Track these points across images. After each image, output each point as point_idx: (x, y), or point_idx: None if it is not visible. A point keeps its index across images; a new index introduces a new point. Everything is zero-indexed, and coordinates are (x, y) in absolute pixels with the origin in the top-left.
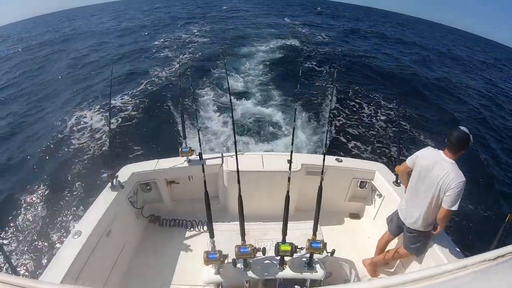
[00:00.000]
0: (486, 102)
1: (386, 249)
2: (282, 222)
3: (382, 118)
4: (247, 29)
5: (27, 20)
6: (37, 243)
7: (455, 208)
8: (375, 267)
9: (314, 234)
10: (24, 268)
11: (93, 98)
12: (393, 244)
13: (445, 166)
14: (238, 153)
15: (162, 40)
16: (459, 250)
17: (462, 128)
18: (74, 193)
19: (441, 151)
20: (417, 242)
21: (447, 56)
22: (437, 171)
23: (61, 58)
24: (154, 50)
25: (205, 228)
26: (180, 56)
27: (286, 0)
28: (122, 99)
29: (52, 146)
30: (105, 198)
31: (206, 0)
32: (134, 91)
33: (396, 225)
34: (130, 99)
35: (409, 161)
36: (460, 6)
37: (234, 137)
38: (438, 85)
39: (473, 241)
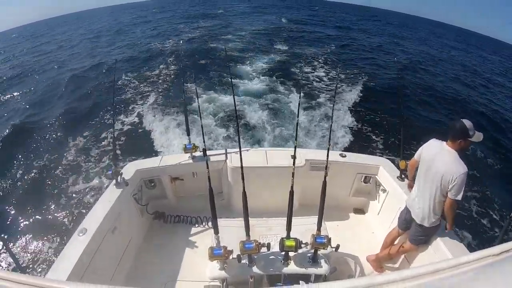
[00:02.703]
0: (496, 97)
1: (395, 245)
2: (286, 218)
3: (386, 112)
4: (248, 31)
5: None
6: (43, 241)
7: (459, 197)
8: (380, 263)
9: (319, 229)
10: (30, 266)
11: (97, 95)
12: (398, 240)
13: (446, 156)
14: (242, 149)
15: (163, 39)
16: (463, 245)
17: (464, 119)
18: (79, 190)
19: (444, 142)
20: (424, 235)
21: (447, 50)
22: (439, 161)
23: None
24: (155, 48)
25: (210, 224)
26: (182, 53)
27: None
28: (126, 95)
29: (56, 144)
30: (110, 195)
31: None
32: (137, 87)
33: (405, 220)
34: (133, 96)
35: (416, 155)
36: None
37: (238, 133)
38: (443, 80)
39: (478, 236)
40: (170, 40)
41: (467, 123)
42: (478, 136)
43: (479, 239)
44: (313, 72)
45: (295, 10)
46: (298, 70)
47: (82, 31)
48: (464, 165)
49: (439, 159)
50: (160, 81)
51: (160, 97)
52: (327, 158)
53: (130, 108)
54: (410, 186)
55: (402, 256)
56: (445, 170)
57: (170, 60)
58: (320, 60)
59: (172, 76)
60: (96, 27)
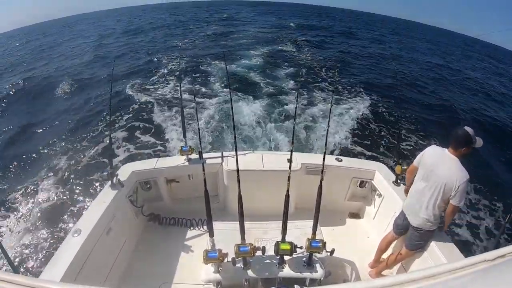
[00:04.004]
0: (492, 101)
1: (388, 254)
2: (282, 221)
3: (382, 117)
4: (251, 32)
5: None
6: (36, 241)
7: (461, 204)
8: (381, 274)
9: (314, 233)
10: (24, 266)
11: (93, 96)
12: (393, 245)
13: (449, 164)
14: (238, 152)
15: (164, 41)
16: (458, 250)
17: (466, 127)
18: (74, 191)
19: (445, 149)
20: (421, 240)
21: (447, 53)
22: (441, 168)
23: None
24: (154, 51)
25: (205, 227)
26: (181, 56)
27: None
28: (122, 97)
29: (52, 144)
30: (105, 196)
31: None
32: (134, 89)
33: (401, 225)
34: (130, 98)
35: (415, 161)
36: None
37: (234, 136)
38: (440, 83)
39: (473, 241)
40: (171, 42)
41: (470, 130)
42: (479, 142)
43: (474, 245)
44: (312, 76)
45: (303, 17)
46: (297, 74)
47: (82, 33)
48: (466, 172)
49: (441, 165)
50: (159, 82)
51: (158, 98)
52: (323, 162)
53: (127, 108)
54: (407, 192)
55: (399, 263)
56: (449, 177)
57: (169, 62)
58: (320, 64)
59: (171, 78)
60: (98, 29)
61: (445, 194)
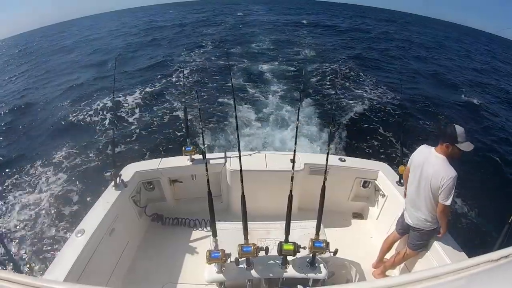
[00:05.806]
0: (500, 103)
1: (391, 254)
2: (285, 222)
3: (386, 117)
4: (255, 29)
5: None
6: (40, 241)
7: (447, 202)
8: (384, 274)
9: (317, 233)
10: (27, 266)
11: (96, 96)
12: (396, 245)
13: (434, 162)
14: (241, 152)
15: (167, 42)
16: (462, 250)
17: (457, 125)
18: (77, 191)
19: (432, 148)
20: (422, 240)
21: (452, 52)
22: (427, 167)
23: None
24: (159, 51)
25: (208, 227)
26: (185, 56)
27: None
28: (126, 97)
29: (54, 145)
30: (108, 197)
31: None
32: (138, 90)
33: (403, 224)
34: (134, 98)
35: (408, 162)
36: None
37: (238, 136)
38: (444, 83)
39: (477, 241)
40: (173, 45)
41: (458, 129)
42: (467, 146)
43: (477, 245)
44: (315, 76)
45: (314, 14)
46: (300, 72)
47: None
48: (452, 169)
49: (427, 164)
50: (162, 83)
51: (160, 98)
52: (326, 162)
53: (130, 108)
54: (406, 194)
55: (403, 263)
56: (433, 175)
57: (172, 63)
58: (323, 63)
59: (174, 78)
60: (103, 30)
61: (434, 192)
